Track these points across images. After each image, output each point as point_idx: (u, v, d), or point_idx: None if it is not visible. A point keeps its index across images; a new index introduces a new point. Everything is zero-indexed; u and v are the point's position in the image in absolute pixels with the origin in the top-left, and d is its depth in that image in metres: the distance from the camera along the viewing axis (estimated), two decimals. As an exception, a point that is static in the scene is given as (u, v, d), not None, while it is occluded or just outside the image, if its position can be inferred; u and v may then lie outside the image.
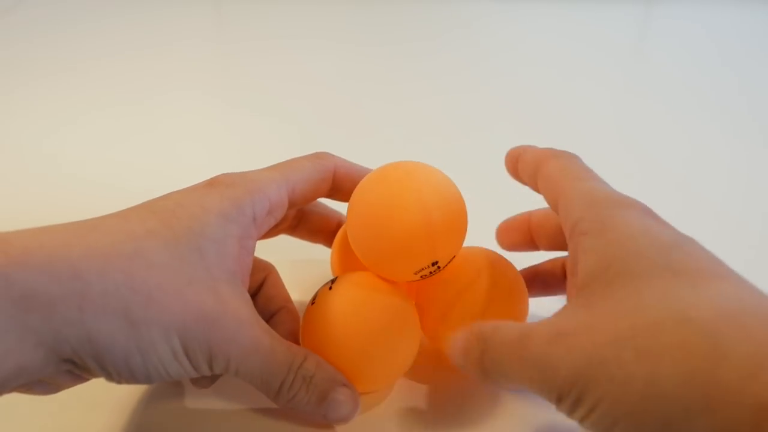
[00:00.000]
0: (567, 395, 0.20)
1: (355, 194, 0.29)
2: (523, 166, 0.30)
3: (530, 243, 0.33)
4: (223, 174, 0.28)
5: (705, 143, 0.56)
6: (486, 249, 0.32)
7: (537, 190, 0.29)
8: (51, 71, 0.69)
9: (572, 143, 0.56)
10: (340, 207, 0.35)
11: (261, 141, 0.57)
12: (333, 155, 0.32)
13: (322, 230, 0.35)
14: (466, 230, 0.29)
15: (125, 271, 0.22)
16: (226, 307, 0.24)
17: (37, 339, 0.21)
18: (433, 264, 0.28)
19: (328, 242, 0.36)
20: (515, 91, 0.67)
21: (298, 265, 0.39)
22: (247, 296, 0.26)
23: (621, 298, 0.21)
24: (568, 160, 0.29)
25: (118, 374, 0.23)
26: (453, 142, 0.56)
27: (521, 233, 0.33)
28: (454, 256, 0.29)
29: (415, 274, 0.28)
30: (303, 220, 0.35)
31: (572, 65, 0.73)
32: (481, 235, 0.33)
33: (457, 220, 0.28)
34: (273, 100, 0.64)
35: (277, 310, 0.31)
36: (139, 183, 0.50)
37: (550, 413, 0.29)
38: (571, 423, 0.21)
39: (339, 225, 0.35)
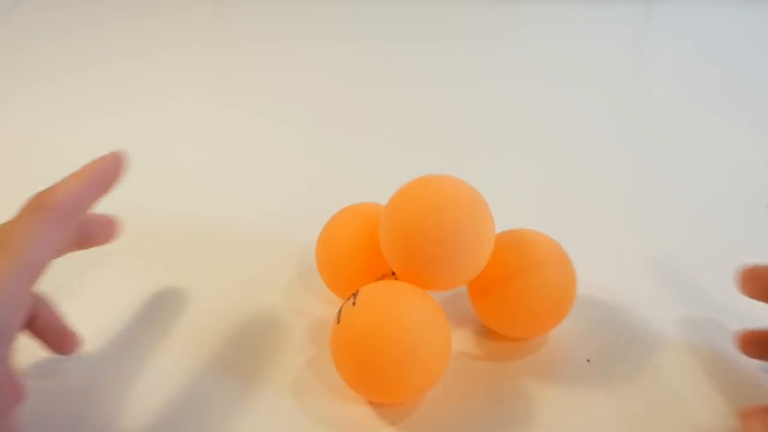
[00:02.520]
0: None
1: (395, 231, 0.30)
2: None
3: None
4: None
5: (705, 143, 0.56)
6: (543, 234, 0.33)
7: None
8: (51, 72, 0.69)
9: (572, 143, 0.56)
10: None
11: (263, 143, 0.57)
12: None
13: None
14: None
15: None
16: None
17: None
18: None
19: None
20: (514, 90, 0.66)
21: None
22: None
23: None
24: None
25: None
26: (452, 142, 0.56)
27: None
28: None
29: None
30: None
31: (571, 65, 0.72)
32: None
33: (489, 211, 0.31)
34: (275, 102, 0.64)
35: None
36: (139, 184, 0.50)
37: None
38: None
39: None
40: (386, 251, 0.31)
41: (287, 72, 0.70)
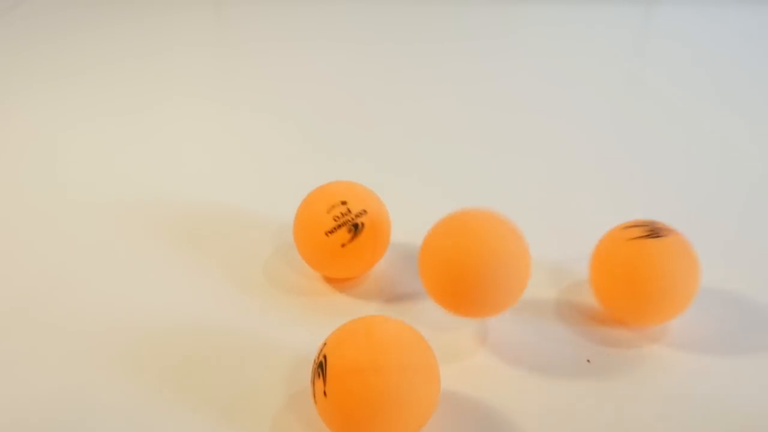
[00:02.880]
0: None
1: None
2: None
3: None
4: None
5: (705, 143, 0.56)
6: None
7: None
8: (51, 72, 0.69)
9: (572, 145, 0.56)
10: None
11: (262, 142, 0.57)
12: None
13: None
14: None
15: None
16: None
17: None
18: None
19: None
20: (514, 90, 0.66)
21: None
22: None
23: None
24: None
25: None
26: (452, 142, 0.56)
27: None
28: None
29: None
30: None
31: (571, 65, 0.72)
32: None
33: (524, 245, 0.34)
34: (275, 102, 0.64)
35: None
36: (140, 185, 0.50)
37: None
38: None
39: None
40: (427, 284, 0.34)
41: (287, 71, 0.70)
